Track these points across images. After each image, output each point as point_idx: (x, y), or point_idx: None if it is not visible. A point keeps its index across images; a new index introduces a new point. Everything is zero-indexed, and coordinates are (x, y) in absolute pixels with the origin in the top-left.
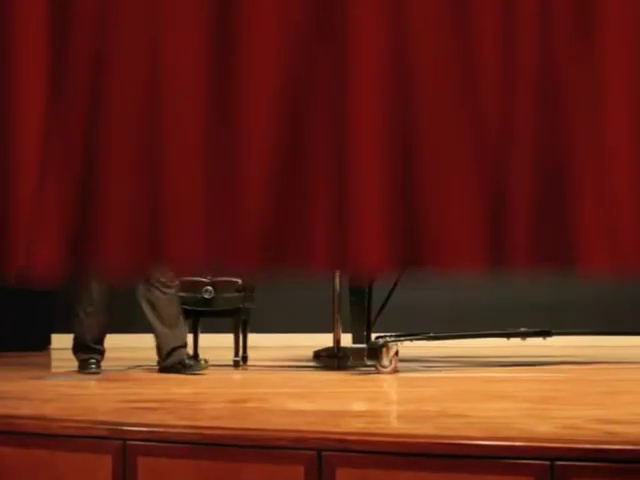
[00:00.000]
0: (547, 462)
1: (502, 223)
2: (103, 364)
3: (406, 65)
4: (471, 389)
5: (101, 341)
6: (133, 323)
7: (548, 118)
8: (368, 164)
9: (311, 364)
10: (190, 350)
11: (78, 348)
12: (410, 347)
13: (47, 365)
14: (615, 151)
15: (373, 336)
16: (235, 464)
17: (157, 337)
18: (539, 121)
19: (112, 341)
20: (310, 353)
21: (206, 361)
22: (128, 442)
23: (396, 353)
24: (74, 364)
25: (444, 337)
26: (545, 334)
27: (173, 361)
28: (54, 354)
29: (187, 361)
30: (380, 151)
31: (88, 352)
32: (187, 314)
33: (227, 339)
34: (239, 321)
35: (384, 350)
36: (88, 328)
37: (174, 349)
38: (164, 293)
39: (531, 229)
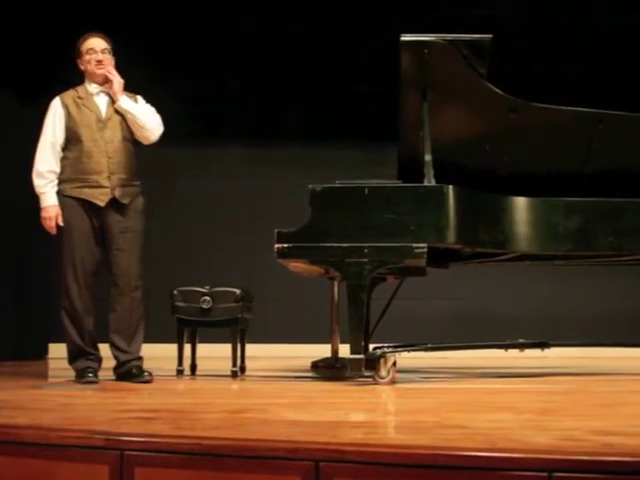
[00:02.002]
0: (545, 473)
1: None
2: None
3: None
4: (469, 400)
5: (94, 346)
6: None
7: None
8: None
9: (309, 374)
10: (188, 360)
11: (73, 357)
12: (408, 358)
13: (44, 374)
14: None
15: (371, 347)
16: (233, 474)
17: (112, 348)
18: None
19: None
20: (308, 363)
21: (150, 374)
22: (125, 452)
23: (394, 364)
24: (71, 373)
25: (442, 348)
26: (543, 345)
27: (124, 371)
28: (51, 363)
29: (134, 371)
30: None
31: (84, 360)
32: (185, 324)
33: (225, 349)
34: (237, 331)
35: (382, 361)
36: (76, 334)
37: (126, 362)
38: (131, 299)
39: None
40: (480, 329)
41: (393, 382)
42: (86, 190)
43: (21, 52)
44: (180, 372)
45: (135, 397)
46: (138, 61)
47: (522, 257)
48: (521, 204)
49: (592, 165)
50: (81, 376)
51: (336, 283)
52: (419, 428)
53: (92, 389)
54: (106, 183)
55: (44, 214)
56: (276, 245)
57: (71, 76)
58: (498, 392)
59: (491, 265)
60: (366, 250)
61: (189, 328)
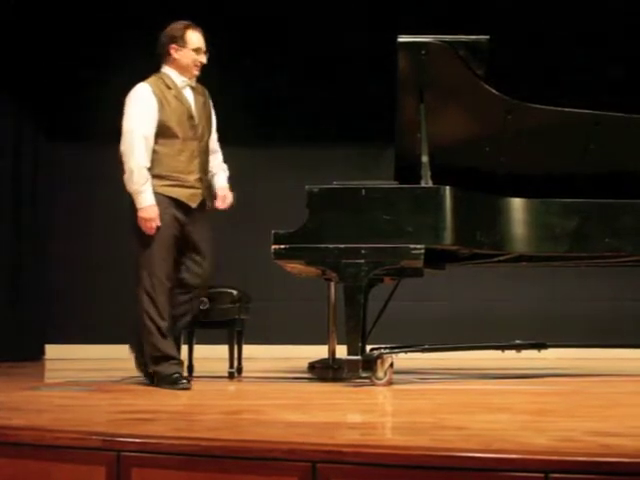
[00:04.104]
0: (542, 474)
1: None
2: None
3: None
4: (466, 401)
5: (177, 349)
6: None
7: None
8: None
9: (306, 375)
10: (185, 361)
11: (155, 360)
12: (405, 359)
13: (41, 376)
14: None
15: (368, 348)
16: (230, 475)
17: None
18: None
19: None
20: (305, 365)
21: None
22: (122, 453)
23: (391, 365)
24: (68, 374)
25: (439, 349)
26: (540, 346)
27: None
28: (48, 364)
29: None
30: None
31: (168, 365)
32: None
33: (222, 350)
34: (234, 332)
35: (379, 362)
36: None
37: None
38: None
39: None
40: (477, 330)
41: (390, 383)
42: (177, 189)
43: (20, 58)
44: None
45: (132, 398)
46: (137, 64)
47: (519, 258)
48: (518, 205)
49: (589, 166)
50: (171, 382)
51: (333, 284)
52: (416, 429)
53: (88, 391)
54: (198, 184)
55: (144, 214)
56: (273, 246)
57: (71, 82)
58: (495, 393)
59: (488, 266)
60: (363, 251)
61: (186, 329)
